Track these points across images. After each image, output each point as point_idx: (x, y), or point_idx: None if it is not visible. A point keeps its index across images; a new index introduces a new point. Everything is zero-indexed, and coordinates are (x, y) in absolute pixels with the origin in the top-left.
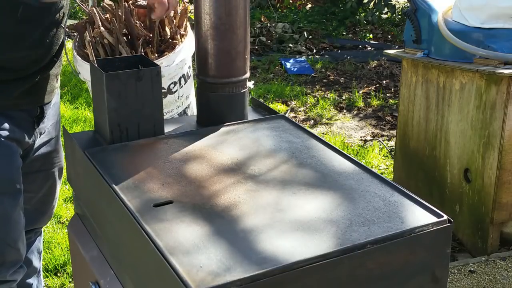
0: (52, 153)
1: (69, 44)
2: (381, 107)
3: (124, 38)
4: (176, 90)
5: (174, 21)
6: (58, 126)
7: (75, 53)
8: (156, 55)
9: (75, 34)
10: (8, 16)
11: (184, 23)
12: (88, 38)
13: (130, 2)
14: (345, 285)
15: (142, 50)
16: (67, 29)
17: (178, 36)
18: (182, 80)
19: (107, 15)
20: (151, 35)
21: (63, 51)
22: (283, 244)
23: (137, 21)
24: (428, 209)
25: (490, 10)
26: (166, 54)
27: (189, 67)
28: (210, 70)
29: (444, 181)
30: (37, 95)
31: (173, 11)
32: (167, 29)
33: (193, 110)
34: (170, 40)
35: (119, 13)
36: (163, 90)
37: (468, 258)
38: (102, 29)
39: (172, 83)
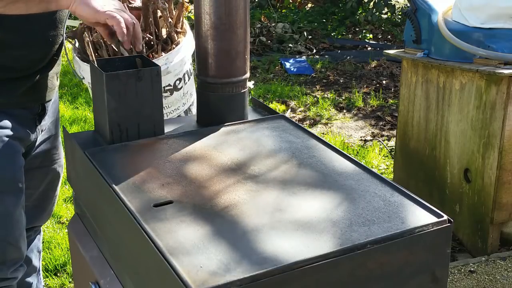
0: (52, 150)
1: (68, 45)
2: (381, 107)
3: None
4: (182, 86)
5: (170, 19)
6: (58, 124)
7: (76, 58)
8: (160, 53)
9: (74, 40)
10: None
11: (181, 19)
12: (87, 39)
13: (125, 4)
14: (345, 285)
15: (145, 54)
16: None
17: (174, 34)
18: (186, 77)
19: None
20: (150, 36)
21: (63, 53)
22: (283, 244)
23: None
24: (428, 209)
25: (490, 10)
26: (169, 51)
27: (191, 64)
28: (210, 70)
29: (444, 181)
30: (39, 93)
31: (168, 10)
32: (163, 29)
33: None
34: (169, 40)
35: None
36: (169, 87)
37: (468, 258)
38: None
39: (177, 79)
